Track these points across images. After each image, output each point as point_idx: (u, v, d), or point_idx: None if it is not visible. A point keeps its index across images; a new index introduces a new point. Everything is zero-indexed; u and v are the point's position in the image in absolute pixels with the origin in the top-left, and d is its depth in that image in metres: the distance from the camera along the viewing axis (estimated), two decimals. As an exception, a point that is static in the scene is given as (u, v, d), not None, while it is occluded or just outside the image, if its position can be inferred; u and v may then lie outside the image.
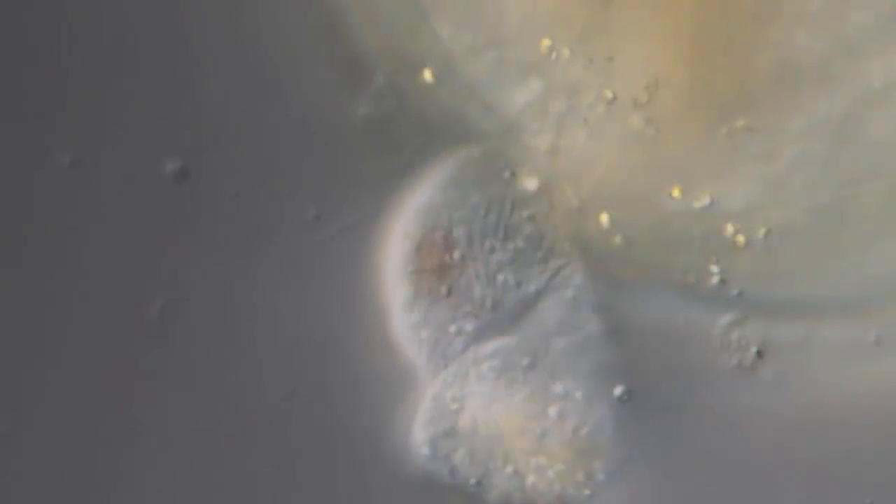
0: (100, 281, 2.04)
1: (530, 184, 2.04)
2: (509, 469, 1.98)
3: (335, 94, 2.05)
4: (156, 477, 2.02)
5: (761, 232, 2.04)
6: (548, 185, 2.04)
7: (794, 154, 2.02)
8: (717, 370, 2.04)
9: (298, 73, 2.05)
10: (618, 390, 2.01)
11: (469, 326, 2.00)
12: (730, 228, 2.04)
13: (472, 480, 1.98)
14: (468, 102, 2.06)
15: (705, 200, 2.04)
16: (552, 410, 1.98)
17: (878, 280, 2.04)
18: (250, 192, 2.05)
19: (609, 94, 2.03)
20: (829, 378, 2.03)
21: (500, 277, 2.02)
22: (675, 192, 2.04)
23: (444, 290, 1.99)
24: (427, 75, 2.07)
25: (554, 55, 2.04)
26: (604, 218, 2.05)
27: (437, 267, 1.99)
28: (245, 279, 2.04)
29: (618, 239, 2.05)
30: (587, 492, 1.98)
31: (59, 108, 2.04)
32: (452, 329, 2.00)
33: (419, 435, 1.98)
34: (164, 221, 2.03)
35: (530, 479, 1.98)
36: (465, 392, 1.98)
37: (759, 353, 2.03)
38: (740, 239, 2.04)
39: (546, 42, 2.04)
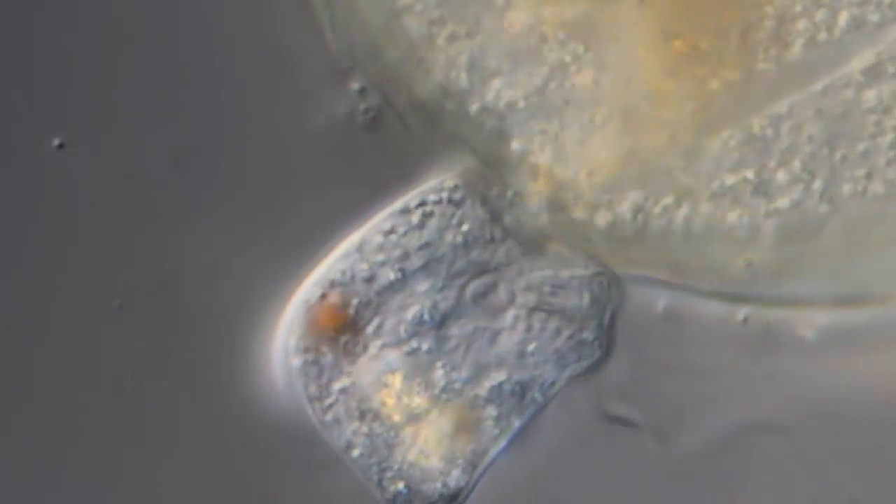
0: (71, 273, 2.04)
1: (519, 183, 2.03)
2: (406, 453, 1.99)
3: (320, 97, 2.05)
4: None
5: (757, 230, 2.03)
6: (538, 185, 2.03)
7: (787, 153, 2.02)
8: (712, 363, 2.02)
9: (280, 79, 2.05)
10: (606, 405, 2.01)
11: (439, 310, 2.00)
12: (726, 227, 2.03)
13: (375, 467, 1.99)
14: (451, 102, 2.05)
15: (699, 200, 2.03)
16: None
17: (872, 277, 2.04)
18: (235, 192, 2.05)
19: (602, 93, 2.03)
20: (824, 371, 2.02)
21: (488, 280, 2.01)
22: (671, 193, 2.03)
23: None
24: (412, 77, 2.06)
25: (542, 50, 2.03)
26: (600, 217, 2.03)
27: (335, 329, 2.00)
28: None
29: (614, 238, 2.04)
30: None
31: (55, 93, 2.04)
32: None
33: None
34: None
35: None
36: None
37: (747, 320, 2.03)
38: (735, 236, 2.03)
39: (532, 40, 2.03)
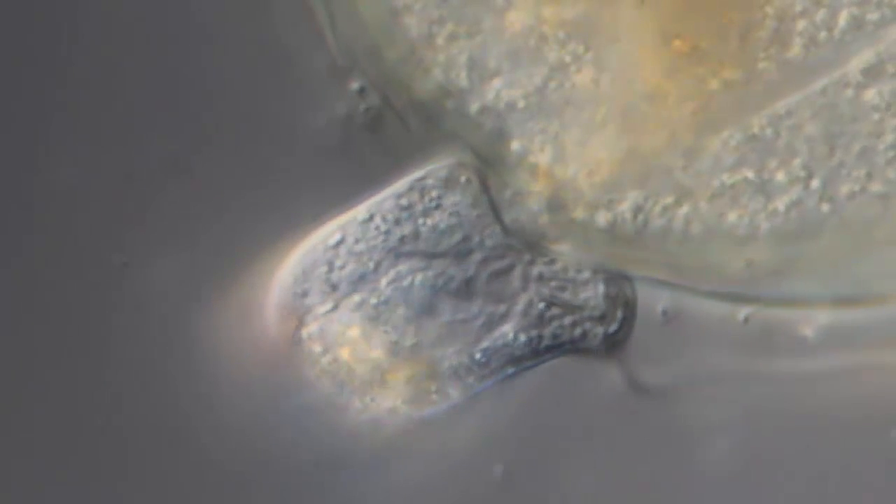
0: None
1: (519, 183, 2.03)
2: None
3: (320, 97, 2.05)
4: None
5: (757, 230, 2.03)
6: (538, 185, 2.03)
7: (786, 153, 2.02)
8: (712, 363, 2.02)
9: (280, 79, 2.05)
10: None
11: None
12: (725, 227, 2.03)
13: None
14: (451, 102, 2.05)
15: (699, 199, 2.03)
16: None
17: (872, 277, 2.04)
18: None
19: (602, 93, 2.02)
20: (824, 371, 2.02)
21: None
22: (671, 193, 2.03)
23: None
24: (412, 77, 2.05)
25: (542, 50, 2.03)
26: (600, 217, 2.03)
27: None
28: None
29: (614, 238, 2.03)
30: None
31: (57, 93, 2.05)
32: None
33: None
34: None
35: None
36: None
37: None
38: (735, 236, 2.03)
39: (532, 40, 2.03)
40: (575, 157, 2.03)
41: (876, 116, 2.00)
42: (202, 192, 2.04)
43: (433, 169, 2.02)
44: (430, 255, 1.99)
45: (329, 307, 2.00)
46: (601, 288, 2.01)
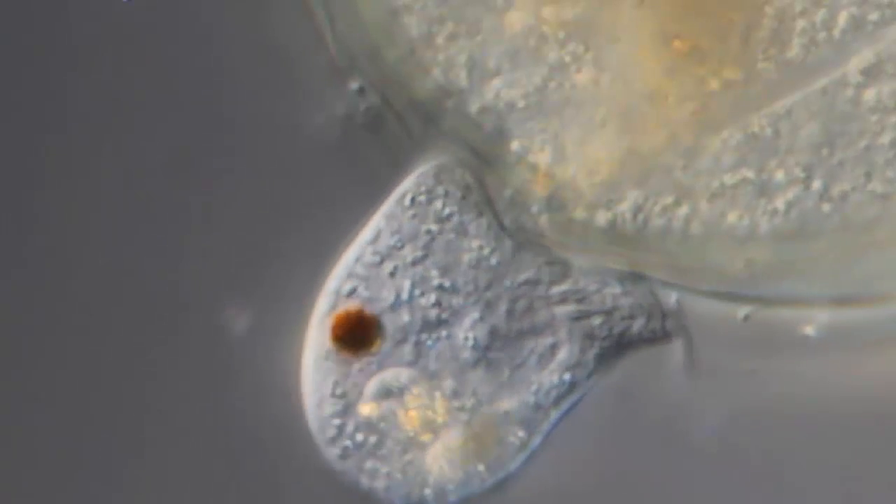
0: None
1: (518, 183, 2.03)
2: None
3: (320, 97, 2.05)
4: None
5: (756, 230, 2.03)
6: (538, 185, 2.03)
7: (786, 153, 2.02)
8: (712, 363, 2.02)
9: (280, 79, 2.05)
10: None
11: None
12: (725, 226, 2.03)
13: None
14: (450, 102, 2.04)
15: (699, 199, 2.03)
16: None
17: (872, 276, 2.04)
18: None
19: (602, 93, 2.02)
20: (825, 370, 2.02)
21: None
22: (670, 193, 2.03)
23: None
24: (411, 76, 2.05)
25: (542, 50, 2.03)
26: (600, 217, 2.03)
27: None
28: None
29: (614, 238, 2.03)
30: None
31: (55, 93, 2.05)
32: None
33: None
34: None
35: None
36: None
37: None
38: (735, 236, 2.03)
39: (532, 40, 2.03)
40: (575, 157, 2.03)
41: (875, 116, 2.00)
42: (201, 191, 2.04)
43: (430, 180, 2.02)
44: (465, 303, 2.00)
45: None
46: (618, 288, 2.01)
